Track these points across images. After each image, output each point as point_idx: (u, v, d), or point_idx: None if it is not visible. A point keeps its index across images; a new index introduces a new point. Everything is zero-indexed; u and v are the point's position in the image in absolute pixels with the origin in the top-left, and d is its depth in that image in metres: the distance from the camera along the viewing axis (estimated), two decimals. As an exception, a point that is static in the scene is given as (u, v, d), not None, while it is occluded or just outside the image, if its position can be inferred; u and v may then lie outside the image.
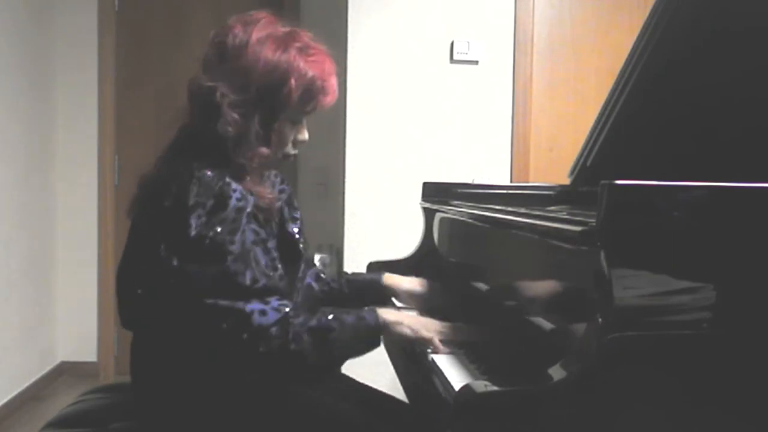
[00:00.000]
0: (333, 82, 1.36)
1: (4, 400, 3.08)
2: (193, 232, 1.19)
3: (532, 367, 1.00)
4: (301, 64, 1.30)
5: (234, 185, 1.25)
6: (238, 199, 1.24)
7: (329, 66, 1.35)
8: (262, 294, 1.21)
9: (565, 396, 0.92)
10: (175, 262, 1.19)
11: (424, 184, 2.19)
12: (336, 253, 3.19)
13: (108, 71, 3.70)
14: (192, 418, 1.27)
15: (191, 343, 1.24)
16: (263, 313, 1.20)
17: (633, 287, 0.94)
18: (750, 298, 0.97)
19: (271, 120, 1.31)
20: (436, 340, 1.34)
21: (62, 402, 2.30)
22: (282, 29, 1.34)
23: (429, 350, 1.33)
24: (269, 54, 1.28)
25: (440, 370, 1.21)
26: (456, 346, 1.35)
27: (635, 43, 1.46)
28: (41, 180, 3.52)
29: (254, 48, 1.28)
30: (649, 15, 1.43)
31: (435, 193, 2.11)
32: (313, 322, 1.24)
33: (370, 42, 3.03)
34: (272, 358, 1.21)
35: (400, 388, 1.61)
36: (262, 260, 1.26)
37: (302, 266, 1.52)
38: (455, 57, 3.06)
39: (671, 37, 1.40)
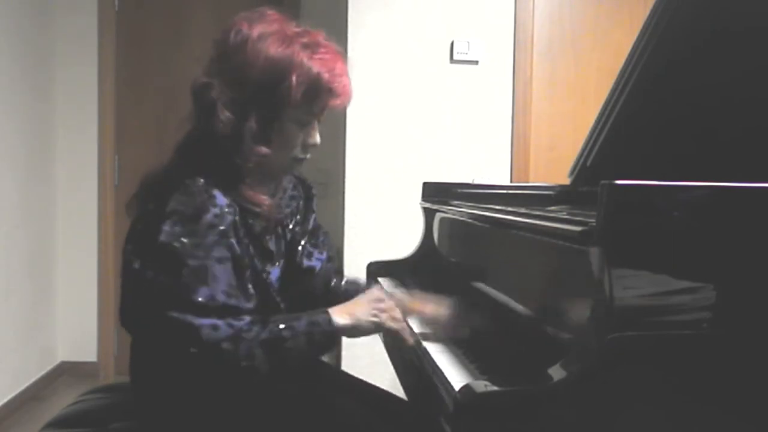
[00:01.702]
0: (344, 82, 1.29)
1: (4, 400, 3.07)
2: (161, 238, 1.16)
3: (532, 367, 1.00)
4: (305, 60, 1.24)
5: (219, 199, 1.21)
6: (216, 215, 1.20)
7: (340, 66, 1.29)
8: (220, 312, 1.17)
9: (565, 396, 0.92)
10: (136, 265, 1.19)
11: (424, 184, 2.19)
12: (336, 253, 3.19)
13: (108, 71, 3.70)
14: (191, 418, 1.27)
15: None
16: (215, 327, 1.16)
17: (633, 287, 0.94)
18: (750, 298, 0.97)
19: (270, 118, 1.26)
20: (404, 333, 1.32)
21: (62, 402, 2.30)
22: (293, 29, 1.29)
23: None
24: (270, 49, 1.24)
25: (440, 370, 1.21)
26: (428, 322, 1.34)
27: (635, 43, 1.45)
28: (41, 180, 3.52)
29: (255, 44, 1.24)
30: (649, 15, 1.43)
31: (435, 193, 2.12)
32: (265, 335, 1.19)
33: (370, 42, 3.03)
34: (225, 372, 1.19)
35: (400, 387, 1.61)
36: (223, 278, 1.19)
37: (314, 287, 1.47)
38: (455, 57, 3.06)
39: (671, 37, 1.40)
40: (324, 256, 1.51)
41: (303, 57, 1.25)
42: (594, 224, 0.98)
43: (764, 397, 0.96)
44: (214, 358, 1.17)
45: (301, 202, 1.50)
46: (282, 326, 1.21)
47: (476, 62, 3.09)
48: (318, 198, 1.55)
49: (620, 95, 1.48)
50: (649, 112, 1.49)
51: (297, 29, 1.29)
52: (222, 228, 1.20)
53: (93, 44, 3.69)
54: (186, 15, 3.74)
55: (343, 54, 1.33)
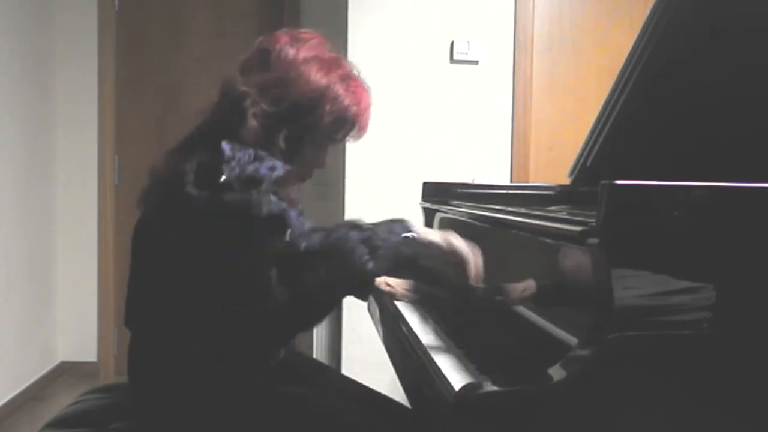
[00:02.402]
0: (367, 117, 1.37)
1: (4, 400, 3.08)
2: (228, 174, 1.16)
3: (532, 367, 1.00)
4: (340, 92, 1.30)
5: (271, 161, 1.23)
6: (272, 168, 1.21)
7: (366, 100, 1.36)
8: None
9: (565, 396, 0.92)
10: (205, 198, 1.16)
11: (424, 184, 2.19)
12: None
13: (108, 71, 3.70)
14: (191, 418, 1.27)
15: (189, 345, 1.24)
16: (300, 217, 1.20)
17: (633, 287, 0.94)
18: (750, 298, 0.97)
19: (297, 139, 1.31)
20: (470, 265, 1.27)
21: (62, 402, 2.30)
22: (328, 54, 1.34)
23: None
24: (312, 74, 1.29)
25: (440, 370, 1.21)
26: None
27: (635, 43, 1.46)
28: (41, 180, 3.52)
29: (299, 65, 1.29)
30: (649, 15, 1.43)
31: (435, 193, 2.12)
32: (357, 233, 1.21)
33: (370, 42, 3.04)
34: (317, 255, 1.18)
35: (400, 388, 1.61)
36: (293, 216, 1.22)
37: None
38: (455, 57, 3.07)
39: (671, 37, 1.40)
40: None
41: (340, 88, 1.31)
42: (594, 224, 0.98)
43: (764, 397, 0.96)
44: (303, 240, 1.17)
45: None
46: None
47: (476, 62, 3.09)
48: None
49: (620, 95, 1.48)
50: (649, 112, 1.49)
51: (332, 55, 1.35)
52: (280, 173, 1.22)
53: (93, 44, 3.69)
54: (186, 15, 3.74)
55: (369, 89, 1.39)
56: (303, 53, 1.30)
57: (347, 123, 1.34)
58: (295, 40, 1.32)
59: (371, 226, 1.23)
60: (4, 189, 3.07)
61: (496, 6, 3.10)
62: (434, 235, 1.29)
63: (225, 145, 1.19)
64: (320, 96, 1.29)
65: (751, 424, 0.97)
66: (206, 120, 1.33)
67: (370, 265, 1.20)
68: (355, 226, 1.23)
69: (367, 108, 1.36)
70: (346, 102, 1.31)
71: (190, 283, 1.20)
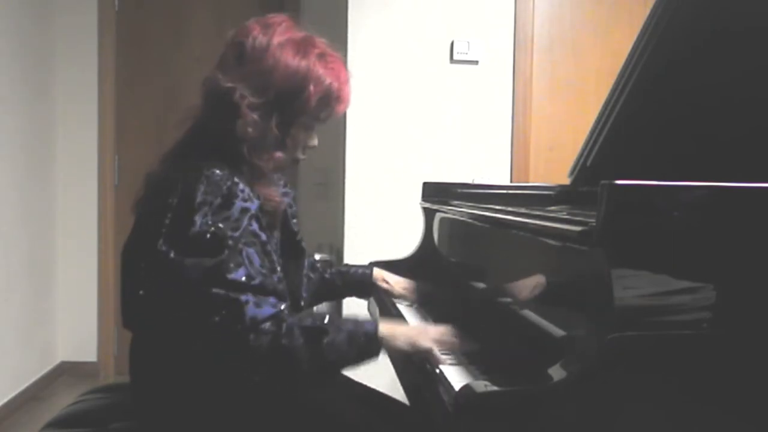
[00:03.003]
0: (347, 90, 1.37)
1: (4, 400, 3.07)
2: (196, 229, 1.18)
3: (532, 367, 1.00)
4: (320, 71, 1.31)
5: (241, 186, 1.24)
6: (244, 200, 1.23)
7: (344, 74, 1.37)
8: (258, 292, 1.20)
9: (565, 396, 0.92)
10: (171, 255, 1.19)
11: (424, 184, 2.19)
12: (336, 253, 3.19)
13: (108, 71, 3.70)
14: (192, 419, 1.27)
15: (189, 345, 1.24)
16: (258, 305, 1.18)
17: (633, 287, 0.94)
18: (750, 298, 0.97)
19: (287, 124, 1.32)
20: (436, 352, 1.27)
21: (62, 402, 2.31)
22: (299, 34, 1.35)
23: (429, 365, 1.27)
24: (289, 59, 1.30)
25: (440, 371, 1.21)
26: (456, 354, 1.30)
27: (635, 43, 1.46)
28: (41, 180, 3.52)
29: (275, 51, 1.30)
30: (649, 15, 1.43)
31: (435, 193, 2.12)
32: (308, 322, 1.22)
33: (370, 42, 3.03)
34: (263, 356, 1.18)
35: (400, 388, 1.61)
36: (256, 261, 1.24)
37: (305, 262, 1.55)
38: (455, 57, 3.07)
39: (671, 37, 1.40)
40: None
41: (319, 68, 1.32)
42: (594, 224, 0.98)
43: (764, 397, 0.96)
44: (255, 336, 1.17)
45: (293, 198, 1.57)
46: (326, 320, 1.23)
47: (476, 62, 3.09)
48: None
49: (620, 95, 1.48)
50: (649, 112, 1.49)
51: (304, 34, 1.35)
52: (252, 212, 1.25)
53: (93, 44, 3.69)
54: (186, 15, 3.75)
55: (344, 60, 1.40)
56: (276, 39, 1.31)
57: (332, 100, 1.34)
58: (266, 27, 1.33)
59: (333, 333, 1.21)
60: (4, 189, 3.07)
61: (496, 6, 3.10)
62: (401, 341, 1.28)
63: (199, 186, 1.20)
64: (303, 79, 1.30)
65: (751, 424, 0.97)
66: (197, 123, 1.34)
67: (313, 375, 1.23)
68: (316, 331, 1.20)
69: (347, 81, 1.37)
70: (328, 80, 1.32)
71: (182, 288, 1.21)
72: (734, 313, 0.97)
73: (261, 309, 1.18)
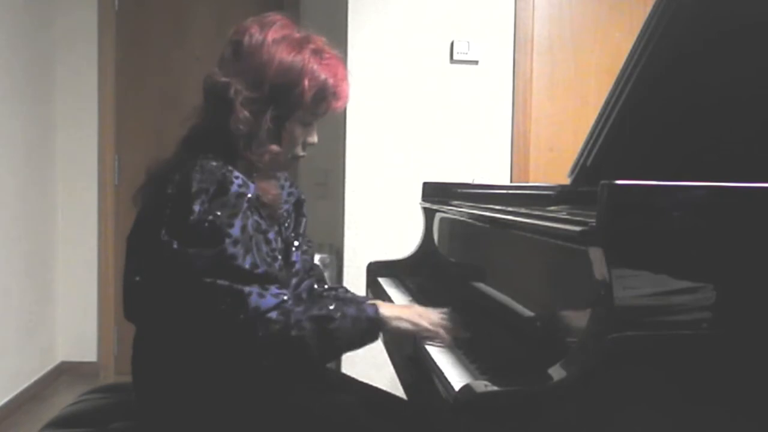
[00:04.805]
0: (345, 87, 1.38)
1: (4, 400, 3.07)
2: (195, 217, 1.20)
3: (532, 367, 1.00)
4: (315, 67, 1.33)
5: (236, 173, 1.26)
6: (240, 185, 1.25)
7: (342, 71, 1.38)
8: (262, 280, 1.22)
9: (565, 396, 0.92)
10: (175, 245, 1.20)
11: (424, 184, 2.19)
12: (336, 253, 3.19)
13: (108, 71, 3.70)
14: (192, 418, 1.27)
15: (191, 337, 1.24)
16: (261, 295, 1.20)
17: (633, 287, 0.94)
18: (750, 298, 0.97)
19: (282, 119, 1.34)
20: (441, 332, 1.34)
21: (62, 402, 2.30)
22: (298, 33, 1.37)
23: (431, 343, 1.33)
24: (284, 54, 1.31)
25: (440, 370, 1.21)
26: (457, 340, 1.34)
27: (635, 43, 1.46)
28: (41, 180, 3.52)
29: (269, 47, 1.31)
30: (649, 15, 1.44)
31: (435, 193, 2.12)
32: (315, 311, 1.24)
33: (370, 42, 3.04)
34: (272, 345, 1.20)
35: (400, 387, 1.61)
36: (263, 248, 1.27)
37: (293, 280, 1.46)
38: (455, 57, 3.07)
39: (671, 37, 1.40)
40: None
41: (313, 63, 1.33)
42: (594, 224, 0.98)
43: (764, 397, 0.96)
44: (261, 327, 1.19)
45: (300, 201, 1.55)
46: (332, 306, 1.26)
47: (476, 62, 3.09)
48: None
49: (620, 95, 1.48)
50: (648, 112, 1.50)
51: (302, 34, 1.37)
52: (249, 196, 1.26)
53: (93, 44, 3.68)
54: (186, 15, 3.74)
55: (343, 59, 1.42)
56: (272, 35, 1.33)
57: (328, 95, 1.36)
58: (263, 25, 1.35)
59: (339, 319, 1.24)
60: (4, 189, 3.07)
61: (496, 6, 3.10)
62: (403, 322, 1.33)
63: (194, 175, 1.22)
64: (297, 73, 1.31)
65: (750, 424, 0.97)
66: (198, 121, 1.36)
67: (322, 360, 1.30)
68: (323, 319, 1.23)
69: (344, 78, 1.38)
70: (323, 75, 1.34)
71: (187, 278, 1.21)
72: (734, 313, 0.97)
73: (264, 299, 1.20)
